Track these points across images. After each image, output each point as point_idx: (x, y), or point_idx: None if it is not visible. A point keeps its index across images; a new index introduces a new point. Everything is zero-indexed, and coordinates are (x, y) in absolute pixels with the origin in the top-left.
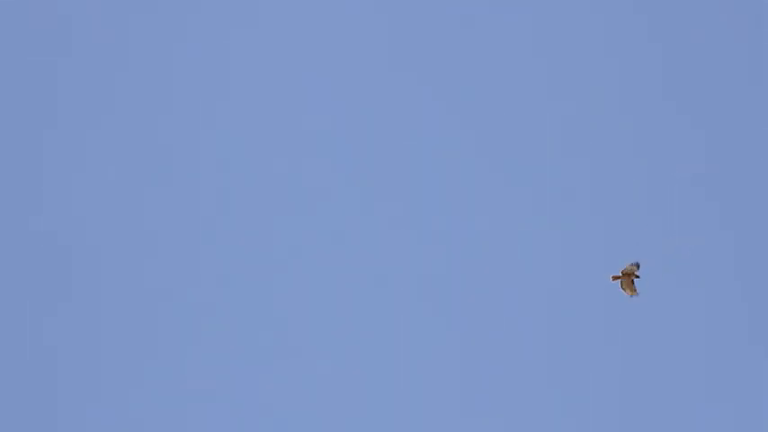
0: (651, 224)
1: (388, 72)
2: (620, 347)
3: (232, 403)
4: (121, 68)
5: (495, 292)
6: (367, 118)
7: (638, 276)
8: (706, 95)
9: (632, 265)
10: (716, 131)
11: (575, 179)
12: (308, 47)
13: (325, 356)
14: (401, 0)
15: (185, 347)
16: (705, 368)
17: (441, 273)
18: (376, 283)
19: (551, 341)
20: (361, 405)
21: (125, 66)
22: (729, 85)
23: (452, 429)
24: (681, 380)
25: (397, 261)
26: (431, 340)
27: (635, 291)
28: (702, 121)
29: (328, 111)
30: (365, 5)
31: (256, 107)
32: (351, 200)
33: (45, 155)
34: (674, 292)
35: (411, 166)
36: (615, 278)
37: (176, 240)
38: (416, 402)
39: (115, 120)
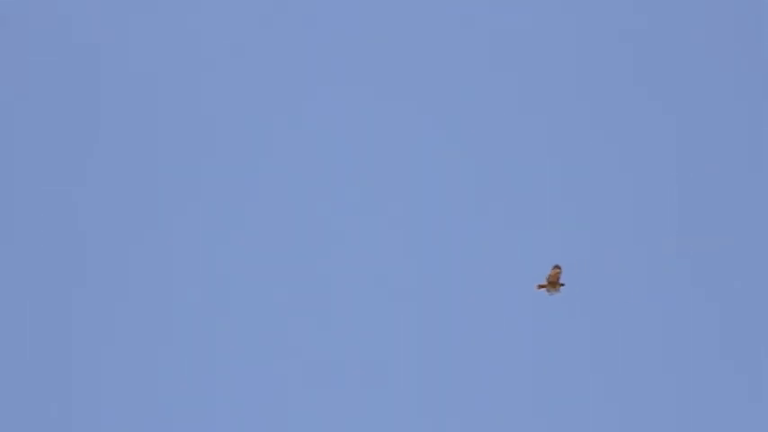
0: (640, 230)
1: (388, 74)
2: (615, 350)
3: (232, 403)
4: (122, 68)
5: (492, 293)
6: (367, 119)
7: (563, 284)
8: (702, 96)
9: (555, 268)
10: (708, 134)
11: (571, 182)
12: (309, 47)
13: (325, 356)
14: (401, 4)
15: (184, 348)
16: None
17: (439, 274)
18: (375, 283)
19: (547, 343)
20: (361, 404)
21: (126, 65)
22: (724, 87)
23: (450, 429)
24: (672, 382)
25: (396, 262)
26: (429, 340)
27: (557, 286)
28: (695, 123)
29: (329, 111)
30: (366, 7)
31: (256, 107)
32: (351, 201)
33: (47, 159)
34: (664, 292)
35: (410, 168)
36: (541, 287)
37: (176, 240)
38: (415, 401)
39: (116, 121)
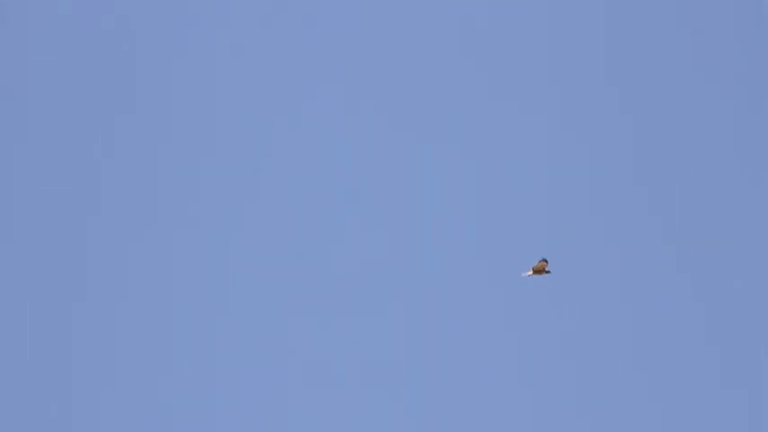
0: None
1: (387, 74)
2: (612, 351)
3: (232, 403)
4: (122, 68)
5: (491, 294)
6: (366, 120)
7: (548, 272)
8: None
9: (542, 261)
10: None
11: (569, 183)
12: (309, 47)
13: (324, 357)
14: (401, 5)
15: (185, 348)
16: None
17: (439, 274)
18: (375, 283)
19: (545, 345)
20: (360, 405)
21: (126, 65)
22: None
23: (450, 429)
24: (670, 382)
25: (396, 262)
26: (428, 341)
27: (543, 273)
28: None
29: (328, 112)
30: (366, 7)
31: (256, 108)
32: (351, 201)
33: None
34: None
35: (409, 169)
36: (527, 275)
37: (176, 240)
38: (415, 402)
39: (116, 121)
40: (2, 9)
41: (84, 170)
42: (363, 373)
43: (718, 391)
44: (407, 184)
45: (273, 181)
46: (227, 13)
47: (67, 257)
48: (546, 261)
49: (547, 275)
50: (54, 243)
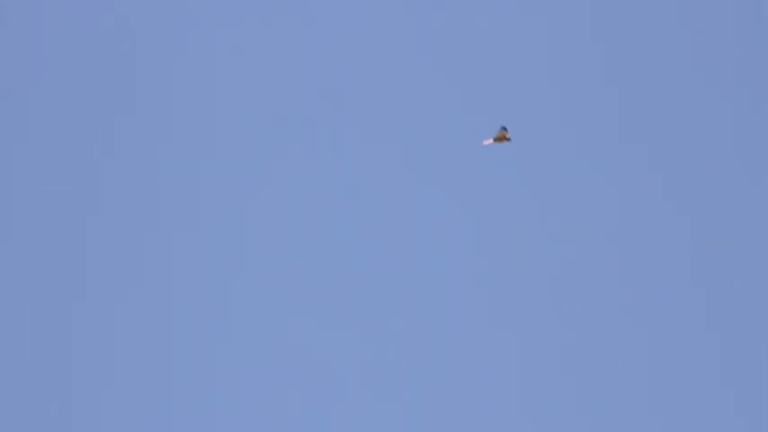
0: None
1: (389, 74)
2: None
3: (232, 404)
4: (122, 68)
5: (492, 296)
6: (367, 121)
7: (509, 139)
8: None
9: (502, 130)
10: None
11: (571, 185)
12: (310, 47)
13: (324, 357)
14: (402, 5)
15: (184, 348)
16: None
17: (440, 276)
18: (375, 284)
19: (546, 346)
20: (361, 406)
21: (125, 65)
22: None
23: (451, 430)
24: (671, 383)
25: (397, 263)
26: (429, 342)
27: (504, 141)
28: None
29: (328, 112)
30: (367, 8)
31: (256, 108)
32: (352, 201)
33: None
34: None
35: (410, 169)
36: (488, 142)
37: (176, 241)
38: (416, 403)
39: (116, 121)
40: (2, 9)
41: (84, 170)
42: (363, 374)
43: (718, 391)
44: (408, 184)
45: (274, 181)
46: (227, 13)
47: (67, 257)
48: (506, 129)
49: (507, 143)
50: (54, 243)
